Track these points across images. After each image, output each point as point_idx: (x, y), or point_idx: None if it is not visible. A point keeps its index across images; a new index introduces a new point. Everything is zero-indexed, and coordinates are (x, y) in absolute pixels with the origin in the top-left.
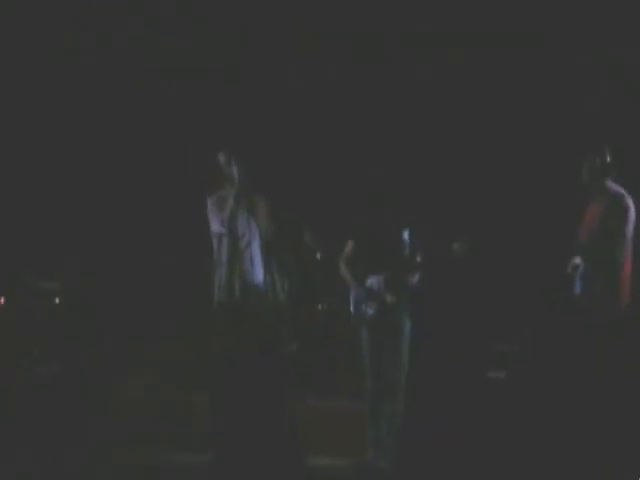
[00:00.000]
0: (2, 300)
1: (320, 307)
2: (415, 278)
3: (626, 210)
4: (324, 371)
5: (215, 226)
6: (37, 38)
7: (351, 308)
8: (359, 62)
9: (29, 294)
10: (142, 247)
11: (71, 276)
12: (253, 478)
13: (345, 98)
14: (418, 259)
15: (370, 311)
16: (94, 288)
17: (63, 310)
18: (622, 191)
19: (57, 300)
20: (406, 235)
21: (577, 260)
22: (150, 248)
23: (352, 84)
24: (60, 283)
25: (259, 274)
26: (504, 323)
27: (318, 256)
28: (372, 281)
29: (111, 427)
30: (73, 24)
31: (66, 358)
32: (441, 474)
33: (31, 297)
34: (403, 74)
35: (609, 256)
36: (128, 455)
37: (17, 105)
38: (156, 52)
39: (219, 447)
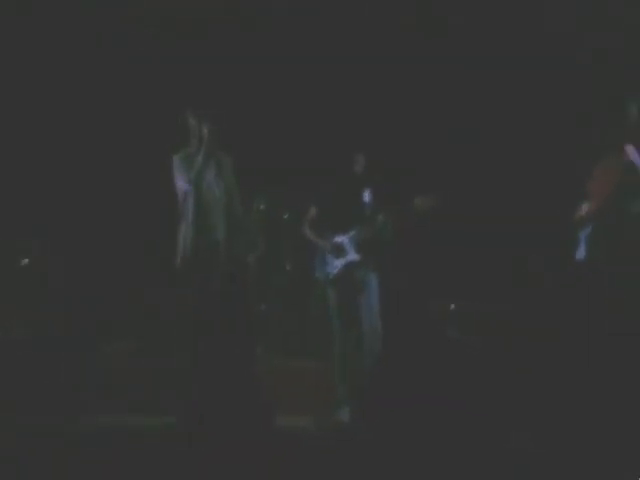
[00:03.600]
0: None
1: (287, 267)
2: (379, 235)
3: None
4: (291, 331)
5: (181, 183)
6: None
7: (317, 267)
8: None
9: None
10: (110, 209)
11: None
12: (220, 438)
13: (310, 56)
14: (380, 217)
15: (335, 270)
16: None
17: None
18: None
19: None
20: (367, 195)
21: (585, 210)
22: (118, 210)
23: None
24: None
25: (224, 232)
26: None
27: (285, 217)
28: (337, 240)
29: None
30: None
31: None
32: (404, 431)
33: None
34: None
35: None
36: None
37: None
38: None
39: (186, 408)
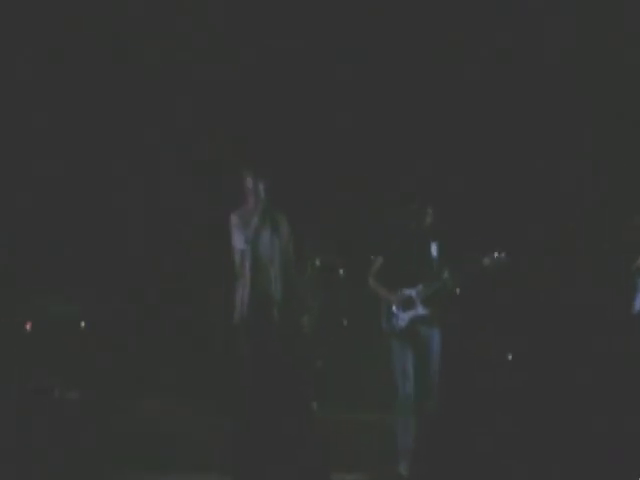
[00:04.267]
0: (29, 325)
1: (345, 322)
2: (447, 292)
3: None
4: (350, 385)
5: (239, 242)
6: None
7: (383, 320)
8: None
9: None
10: (160, 267)
11: (90, 300)
12: None
13: (369, 114)
14: (446, 274)
15: (402, 323)
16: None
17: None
18: None
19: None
20: (434, 250)
21: None
22: (169, 268)
23: (374, 99)
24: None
25: (281, 291)
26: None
27: (341, 272)
28: (406, 293)
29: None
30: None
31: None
32: None
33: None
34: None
35: None
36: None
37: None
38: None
39: (243, 467)
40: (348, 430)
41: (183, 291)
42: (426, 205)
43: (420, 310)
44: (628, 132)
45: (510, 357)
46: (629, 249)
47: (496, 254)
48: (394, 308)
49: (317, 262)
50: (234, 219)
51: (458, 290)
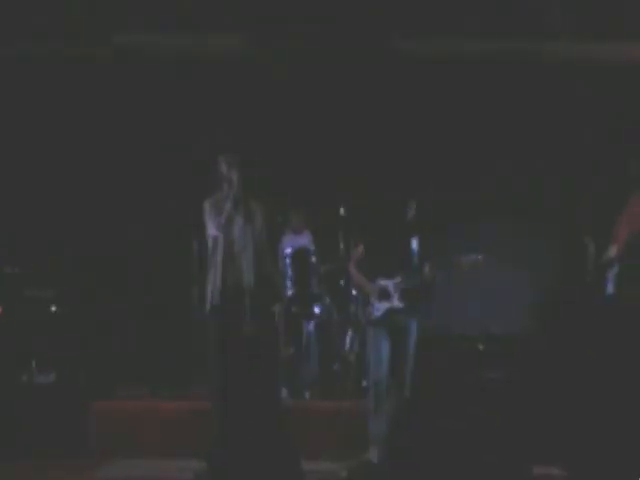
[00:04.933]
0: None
1: (315, 310)
2: (425, 286)
3: None
4: (321, 372)
5: (211, 229)
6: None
7: (359, 308)
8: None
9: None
10: (137, 250)
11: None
12: None
13: (350, 101)
14: (426, 269)
15: (377, 313)
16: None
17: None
18: None
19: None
20: (415, 244)
21: (612, 253)
22: (145, 252)
23: (357, 87)
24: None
25: (253, 278)
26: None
27: (313, 259)
28: (382, 284)
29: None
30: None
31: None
32: (436, 472)
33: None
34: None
35: None
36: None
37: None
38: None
39: (215, 451)
40: (319, 417)
41: (158, 276)
42: (409, 199)
43: (395, 302)
44: None
45: (481, 347)
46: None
47: (475, 256)
48: (370, 297)
49: (290, 250)
50: (207, 205)
51: (435, 285)
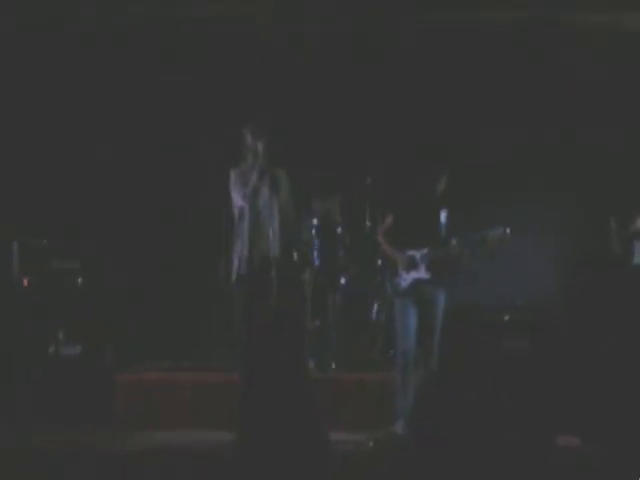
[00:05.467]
0: (26, 282)
1: (342, 281)
2: (453, 258)
3: None
4: (349, 343)
5: (237, 200)
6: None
7: (386, 278)
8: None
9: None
10: (162, 222)
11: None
12: (275, 456)
13: (382, 67)
14: (454, 241)
15: (404, 283)
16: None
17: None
18: None
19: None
20: (444, 217)
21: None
22: (170, 223)
23: (389, 54)
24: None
25: (279, 249)
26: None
27: (339, 230)
28: (410, 254)
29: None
30: None
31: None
32: (461, 444)
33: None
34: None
35: None
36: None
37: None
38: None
39: (245, 423)
40: (345, 389)
41: (184, 248)
42: (440, 172)
43: (423, 273)
44: None
45: (506, 318)
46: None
47: (503, 229)
48: (398, 268)
49: (316, 221)
50: (233, 176)
51: (464, 258)
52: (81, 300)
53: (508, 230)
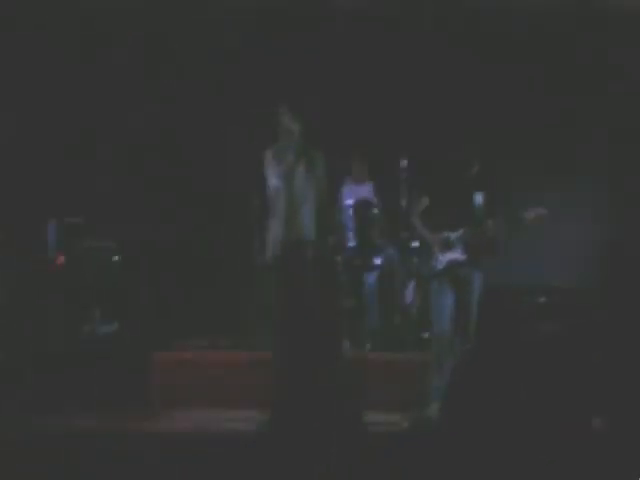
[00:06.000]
0: (62, 259)
1: (377, 261)
2: (489, 239)
3: None
4: (384, 324)
5: (273, 179)
6: None
7: (421, 260)
8: None
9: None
10: (196, 203)
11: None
12: (309, 436)
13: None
14: (489, 222)
15: (440, 265)
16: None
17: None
18: None
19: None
20: (479, 198)
21: None
22: (205, 204)
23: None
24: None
25: (314, 229)
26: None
27: (375, 211)
28: (445, 236)
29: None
30: None
31: (125, 317)
32: (495, 428)
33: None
34: None
35: None
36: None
37: None
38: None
39: (279, 402)
40: (380, 369)
41: (219, 227)
42: (474, 154)
43: (459, 254)
44: None
45: (542, 300)
46: None
47: (539, 209)
48: (433, 249)
49: (351, 201)
50: (269, 155)
51: (498, 238)
52: (116, 279)
53: (544, 211)
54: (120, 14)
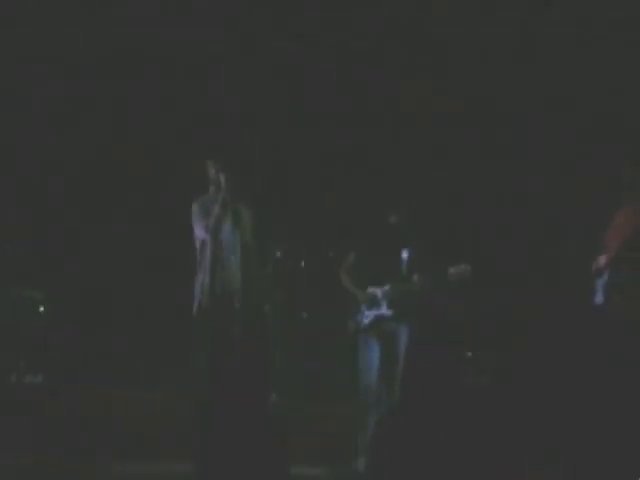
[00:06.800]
0: None
1: (304, 315)
2: (415, 295)
3: None
4: (310, 378)
5: (199, 232)
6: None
7: (350, 315)
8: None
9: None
10: (124, 254)
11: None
12: None
13: (341, 106)
14: (415, 277)
15: (366, 320)
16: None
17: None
18: None
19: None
20: (405, 253)
21: (601, 262)
22: (131, 255)
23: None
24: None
25: (241, 281)
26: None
27: (302, 264)
28: (371, 291)
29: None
30: None
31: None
32: None
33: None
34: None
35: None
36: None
37: None
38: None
39: (200, 455)
40: (307, 424)
41: (145, 279)
42: (399, 210)
43: (384, 310)
44: None
45: (470, 354)
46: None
47: (462, 265)
48: (360, 305)
49: (278, 254)
50: (195, 208)
51: (424, 293)
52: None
53: (467, 266)
54: None
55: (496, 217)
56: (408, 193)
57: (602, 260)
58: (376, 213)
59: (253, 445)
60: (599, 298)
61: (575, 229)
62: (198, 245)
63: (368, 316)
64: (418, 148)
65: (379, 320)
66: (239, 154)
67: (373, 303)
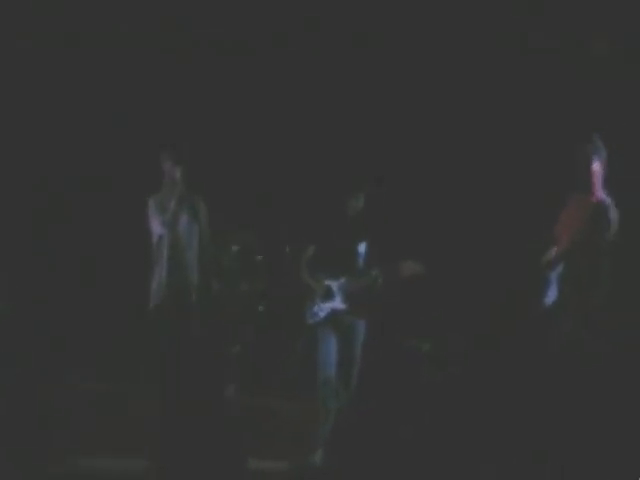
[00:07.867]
0: None
1: (260, 308)
2: (371, 289)
3: (610, 222)
4: (268, 371)
5: (156, 227)
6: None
7: (306, 308)
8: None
9: None
10: (82, 250)
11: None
12: None
13: (297, 94)
14: (373, 272)
15: (322, 313)
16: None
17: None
18: (608, 201)
19: None
20: (362, 247)
21: (554, 254)
22: (90, 251)
23: (296, 82)
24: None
25: (198, 276)
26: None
27: (259, 258)
28: (326, 284)
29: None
30: None
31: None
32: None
33: None
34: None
35: (592, 272)
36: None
37: None
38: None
39: (157, 450)
40: (266, 417)
41: (102, 273)
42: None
43: (339, 303)
44: None
45: (425, 348)
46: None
47: (415, 260)
48: (315, 298)
49: (235, 248)
50: (151, 203)
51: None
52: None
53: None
54: None
55: (453, 211)
56: (366, 185)
57: (554, 253)
58: (335, 205)
59: (212, 437)
60: (553, 292)
61: (527, 222)
62: (155, 240)
63: (324, 309)
64: (378, 138)
65: (335, 313)
66: (196, 148)
67: (328, 296)
